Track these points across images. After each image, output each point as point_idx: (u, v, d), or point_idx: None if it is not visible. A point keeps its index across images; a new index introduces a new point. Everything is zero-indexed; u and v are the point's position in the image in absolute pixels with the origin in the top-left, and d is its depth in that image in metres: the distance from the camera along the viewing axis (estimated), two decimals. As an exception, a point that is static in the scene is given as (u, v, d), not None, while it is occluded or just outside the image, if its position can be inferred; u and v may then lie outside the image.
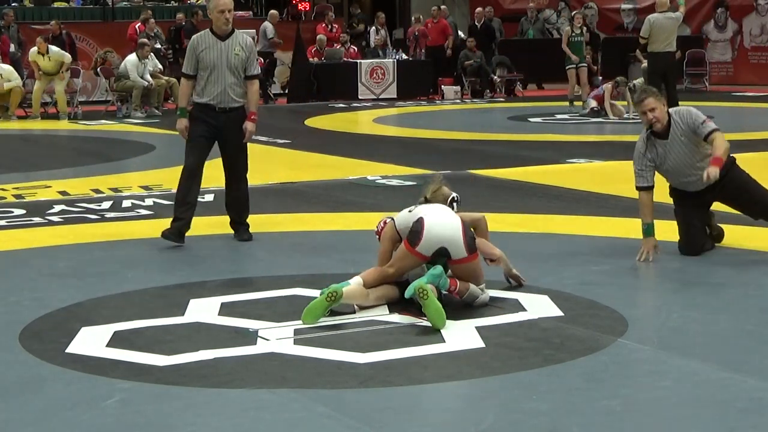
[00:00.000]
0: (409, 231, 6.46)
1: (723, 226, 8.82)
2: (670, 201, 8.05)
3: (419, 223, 6.43)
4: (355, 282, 6.39)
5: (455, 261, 6.42)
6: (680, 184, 7.93)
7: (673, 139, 7.67)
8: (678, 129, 7.67)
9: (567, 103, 21.30)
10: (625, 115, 18.64)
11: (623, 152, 13.90)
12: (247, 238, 8.66)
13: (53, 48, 20.54)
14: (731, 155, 7.82)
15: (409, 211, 6.63)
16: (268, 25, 24.73)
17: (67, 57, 20.66)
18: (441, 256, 6.40)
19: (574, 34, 20.63)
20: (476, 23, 25.84)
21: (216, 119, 8.66)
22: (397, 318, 6.23)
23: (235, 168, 8.94)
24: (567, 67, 20.78)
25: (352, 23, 27.64)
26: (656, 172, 7.82)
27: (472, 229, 6.61)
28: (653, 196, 7.80)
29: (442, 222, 6.45)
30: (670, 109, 7.77)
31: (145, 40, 21.54)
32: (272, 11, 25.64)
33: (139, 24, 23.17)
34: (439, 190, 6.85)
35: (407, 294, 6.17)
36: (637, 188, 7.85)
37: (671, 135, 7.68)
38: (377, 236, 6.86)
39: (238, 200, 8.89)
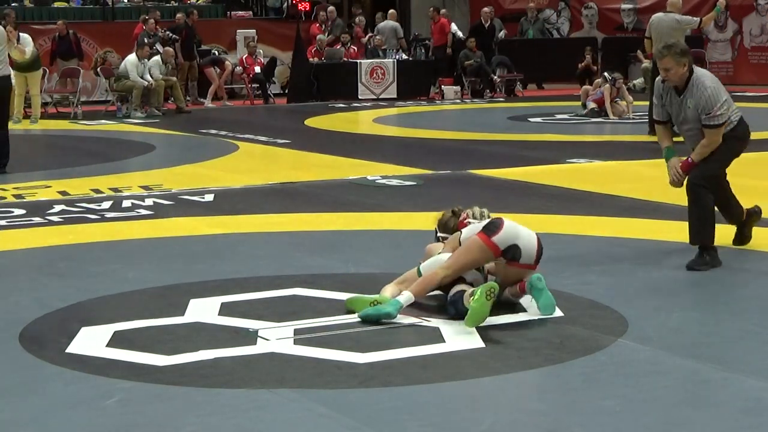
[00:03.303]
0: (485, 225, 6.37)
1: (724, 226, 8.83)
2: (673, 201, 8.01)
3: (498, 219, 6.40)
4: (406, 299, 6.24)
5: (520, 265, 6.35)
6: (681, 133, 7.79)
7: (684, 98, 7.54)
8: (690, 94, 7.52)
9: (569, 103, 21.28)
10: (626, 115, 18.62)
11: (623, 152, 13.94)
12: None
13: (24, 36, 20.18)
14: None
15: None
16: (396, 24, 25.37)
17: (32, 51, 20.29)
18: (510, 254, 6.30)
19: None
20: (483, 23, 25.82)
21: None
22: (397, 318, 6.22)
23: None
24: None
25: (351, 23, 27.63)
26: None
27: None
28: (669, 129, 7.75)
29: (520, 226, 6.44)
30: (699, 73, 7.56)
31: (155, 34, 21.59)
32: (391, 10, 26.04)
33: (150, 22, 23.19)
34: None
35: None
36: (655, 120, 7.89)
37: (684, 94, 7.54)
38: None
39: None
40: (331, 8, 25.59)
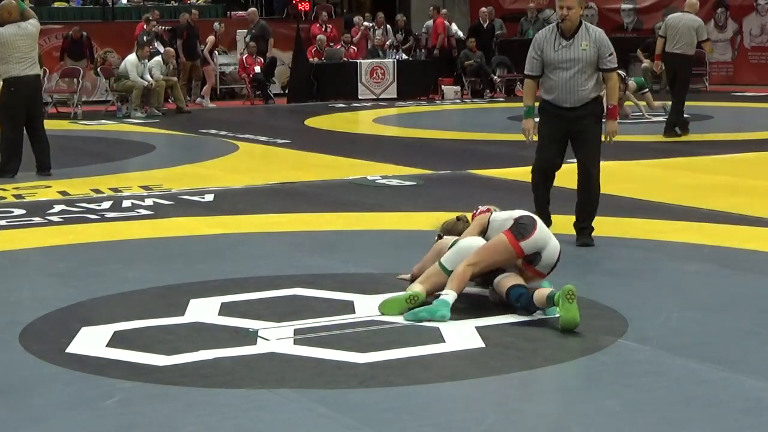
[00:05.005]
0: (516, 224, 6.41)
1: (724, 226, 8.85)
2: (672, 201, 8.03)
3: (531, 220, 6.43)
4: (452, 298, 6.22)
5: (534, 271, 6.39)
6: (549, 88, 8.16)
7: (574, 43, 8.06)
8: (584, 36, 8.06)
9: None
10: (631, 115, 18.51)
11: (623, 152, 13.91)
12: None
13: None
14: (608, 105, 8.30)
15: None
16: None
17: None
18: (530, 259, 6.35)
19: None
20: (482, 23, 25.82)
21: None
22: (397, 318, 6.22)
23: None
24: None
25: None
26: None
27: None
28: (537, 85, 8.26)
29: (550, 233, 6.53)
30: (586, 22, 8.20)
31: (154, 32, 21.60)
32: (444, 11, 26.21)
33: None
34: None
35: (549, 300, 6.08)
36: (525, 75, 8.37)
37: (574, 39, 8.06)
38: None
39: None
40: (252, 9, 25.05)
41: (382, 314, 6.21)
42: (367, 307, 6.43)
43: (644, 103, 18.85)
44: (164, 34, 23.24)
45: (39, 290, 7.11)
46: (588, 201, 8.24)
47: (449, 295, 6.20)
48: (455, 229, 6.87)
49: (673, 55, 15.14)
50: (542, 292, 6.13)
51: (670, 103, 15.82)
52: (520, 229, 6.38)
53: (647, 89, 19.21)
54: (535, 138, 8.39)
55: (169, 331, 6.06)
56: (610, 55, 8.06)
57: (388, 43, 25.90)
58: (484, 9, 26.20)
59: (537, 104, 8.47)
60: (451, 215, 7.16)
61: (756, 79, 25.90)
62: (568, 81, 8.05)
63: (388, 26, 26.70)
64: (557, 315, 5.98)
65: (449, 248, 6.53)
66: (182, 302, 6.62)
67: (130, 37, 22.78)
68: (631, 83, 18.70)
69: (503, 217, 6.60)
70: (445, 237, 6.83)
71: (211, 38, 23.34)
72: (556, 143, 8.25)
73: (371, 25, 26.39)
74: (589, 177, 8.23)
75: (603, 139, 8.23)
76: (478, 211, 6.80)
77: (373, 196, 10.80)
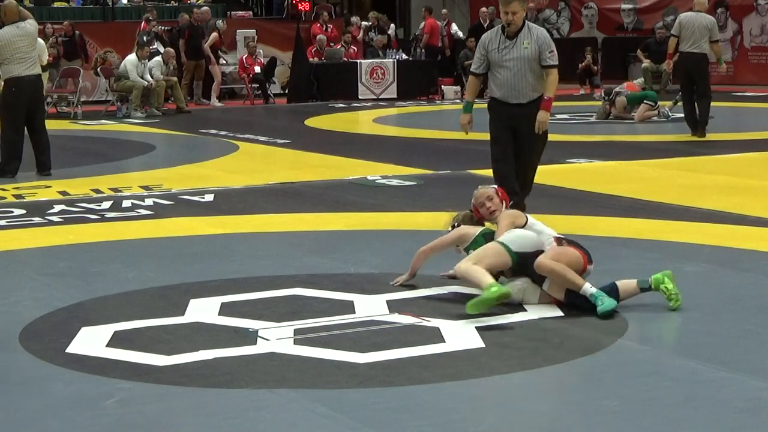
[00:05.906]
0: (584, 248, 6.61)
1: (724, 226, 8.85)
2: (672, 201, 8.03)
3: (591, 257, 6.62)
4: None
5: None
6: (497, 86, 8.62)
7: (516, 42, 8.46)
8: (526, 36, 8.45)
9: (569, 103, 21.25)
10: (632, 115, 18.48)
11: (623, 152, 13.94)
12: None
13: (38, 41, 20.08)
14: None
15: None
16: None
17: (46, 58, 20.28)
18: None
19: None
20: (482, 23, 25.82)
21: None
22: (397, 318, 6.23)
23: None
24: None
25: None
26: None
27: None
28: (480, 82, 8.97)
29: None
30: (529, 23, 8.59)
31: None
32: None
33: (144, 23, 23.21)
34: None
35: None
36: (470, 72, 8.89)
37: (517, 39, 8.46)
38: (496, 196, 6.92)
39: None
40: (205, 8, 24.81)
41: (469, 313, 6.10)
42: (367, 307, 6.44)
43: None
44: (164, 34, 23.23)
45: (39, 290, 7.11)
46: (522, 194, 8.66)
47: (592, 287, 6.29)
48: (474, 219, 7.03)
49: (689, 54, 15.06)
50: (630, 282, 6.34)
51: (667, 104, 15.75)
52: (588, 254, 6.59)
53: (655, 103, 18.93)
54: (481, 136, 8.88)
55: (169, 331, 6.06)
56: (550, 52, 8.49)
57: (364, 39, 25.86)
58: (484, 9, 26.17)
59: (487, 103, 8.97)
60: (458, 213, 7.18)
61: (756, 79, 25.90)
62: (512, 78, 8.51)
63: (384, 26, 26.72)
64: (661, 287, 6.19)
65: (498, 234, 6.64)
66: (182, 302, 6.63)
67: (131, 37, 22.76)
68: (620, 99, 18.59)
69: (539, 228, 6.75)
70: (463, 226, 6.93)
71: (214, 35, 23.30)
72: (507, 138, 8.75)
73: (368, 24, 26.38)
74: (524, 179, 8.71)
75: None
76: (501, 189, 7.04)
77: (373, 196, 10.80)
